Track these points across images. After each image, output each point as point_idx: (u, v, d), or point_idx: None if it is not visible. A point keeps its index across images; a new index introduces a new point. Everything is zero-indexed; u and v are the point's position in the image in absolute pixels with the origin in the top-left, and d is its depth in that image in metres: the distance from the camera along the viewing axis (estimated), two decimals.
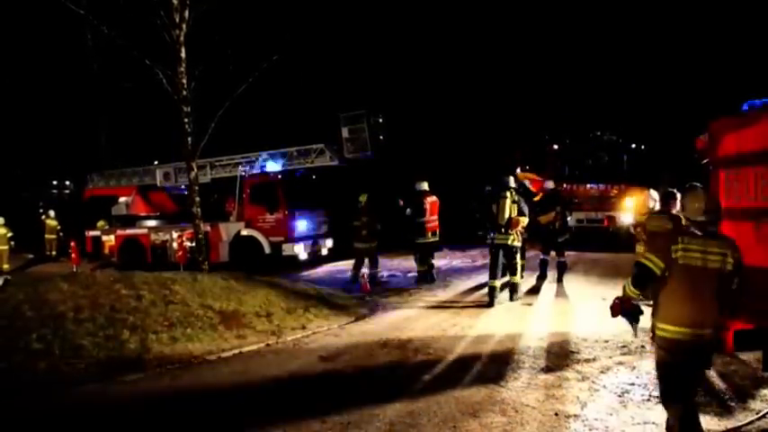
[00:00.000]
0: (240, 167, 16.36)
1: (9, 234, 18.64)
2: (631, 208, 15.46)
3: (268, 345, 7.77)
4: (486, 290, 10.19)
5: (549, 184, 12.21)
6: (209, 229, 15.16)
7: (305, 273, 14.76)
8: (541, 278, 11.47)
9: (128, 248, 17.48)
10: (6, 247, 18.46)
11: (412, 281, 12.54)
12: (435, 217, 12.36)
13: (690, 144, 6.92)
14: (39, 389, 6.05)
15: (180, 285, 9.65)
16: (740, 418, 4.86)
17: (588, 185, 16.93)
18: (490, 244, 10.11)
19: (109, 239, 17.98)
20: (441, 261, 14.22)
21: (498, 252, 9.97)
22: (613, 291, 9.40)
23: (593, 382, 5.83)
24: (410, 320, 8.93)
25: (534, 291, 10.82)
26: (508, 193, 9.88)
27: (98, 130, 27.22)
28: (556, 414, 5.05)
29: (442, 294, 10.99)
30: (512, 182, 10.34)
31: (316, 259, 16.43)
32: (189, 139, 13.18)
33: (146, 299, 8.82)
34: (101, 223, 18.64)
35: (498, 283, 9.99)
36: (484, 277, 12.40)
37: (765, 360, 5.84)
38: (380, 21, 25.49)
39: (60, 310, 8.11)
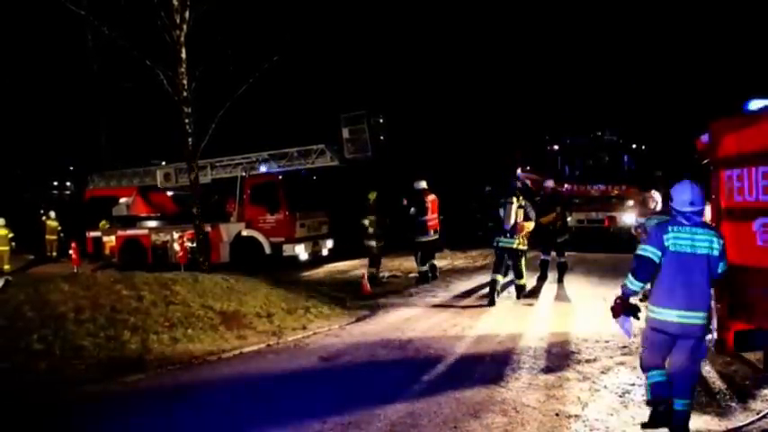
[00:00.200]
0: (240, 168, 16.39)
1: (10, 235, 18.65)
2: (632, 208, 15.45)
3: (269, 345, 7.77)
4: (484, 290, 10.20)
5: (550, 184, 12.21)
6: (209, 229, 15.17)
7: (305, 273, 14.77)
8: (542, 279, 11.48)
9: (128, 249, 17.50)
10: (7, 248, 18.47)
11: (412, 281, 12.53)
12: (436, 215, 12.39)
13: (690, 144, 6.92)
14: (40, 389, 6.05)
15: (181, 286, 9.64)
16: (741, 419, 4.85)
17: (589, 186, 16.92)
18: (495, 247, 10.24)
19: (109, 240, 18.00)
20: (441, 261, 14.22)
21: (503, 255, 10.15)
22: (614, 291, 9.36)
23: (593, 382, 5.83)
24: (411, 321, 8.93)
25: (535, 291, 10.81)
26: (514, 198, 9.97)
27: (98, 131, 27.21)
28: (557, 414, 5.05)
29: (443, 295, 10.99)
30: (518, 185, 10.47)
31: (316, 260, 16.43)
32: (189, 139, 13.18)
33: (146, 299, 8.81)
34: (103, 223, 18.64)
35: (501, 278, 10.13)
36: (484, 278, 12.40)
37: (766, 360, 5.85)
38: (381, 21, 25.50)
39: (61, 310, 8.11)
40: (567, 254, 11.72)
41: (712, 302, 7.07)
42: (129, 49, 12.75)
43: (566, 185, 16.33)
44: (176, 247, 16.30)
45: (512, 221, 9.89)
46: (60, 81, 27.62)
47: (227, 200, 17.01)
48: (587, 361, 6.50)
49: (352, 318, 9.34)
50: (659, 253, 4.37)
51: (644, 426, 4.66)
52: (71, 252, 17.15)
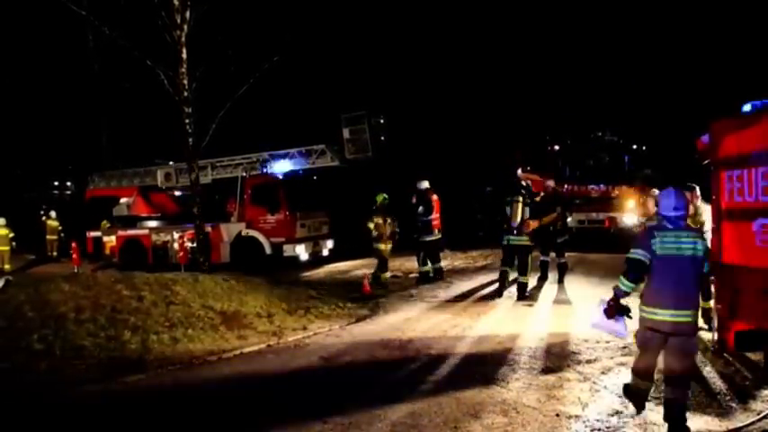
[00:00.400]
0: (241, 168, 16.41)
1: (11, 235, 18.65)
2: (633, 209, 15.46)
3: (269, 345, 7.77)
4: (485, 290, 10.21)
5: (550, 184, 12.23)
6: (210, 229, 15.18)
7: (306, 273, 14.77)
8: (542, 279, 11.49)
9: (129, 249, 17.50)
10: (8, 248, 18.47)
11: (413, 281, 12.53)
12: (438, 215, 12.43)
13: (691, 145, 6.92)
14: (40, 389, 6.05)
15: (181, 286, 9.66)
16: (741, 419, 4.85)
17: (589, 186, 16.92)
18: (505, 245, 10.49)
19: (110, 240, 18.00)
20: (442, 262, 14.17)
21: (512, 251, 10.42)
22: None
23: (594, 382, 5.83)
24: (411, 321, 8.93)
25: (535, 291, 10.80)
26: (520, 197, 10.19)
27: (99, 131, 27.24)
28: (557, 415, 5.05)
29: (443, 295, 10.99)
30: (523, 184, 10.68)
31: (317, 260, 16.43)
32: (190, 139, 13.20)
33: (147, 299, 8.83)
34: (104, 223, 18.65)
35: (510, 270, 10.45)
36: (485, 278, 12.45)
37: (766, 360, 5.85)
38: (381, 22, 25.51)
39: (61, 310, 8.12)
40: (567, 254, 11.72)
41: (708, 301, 7.11)
42: (130, 50, 12.78)
43: (566, 186, 16.34)
44: (177, 247, 16.30)
45: (519, 219, 10.14)
46: (61, 81, 27.64)
47: (228, 200, 17.03)
48: (588, 361, 6.50)
49: (353, 318, 9.34)
50: (648, 255, 4.63)
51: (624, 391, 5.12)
52: (71, 252, 17.14)
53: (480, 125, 24.80)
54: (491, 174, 22.59)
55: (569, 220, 12.32)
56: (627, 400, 5.26)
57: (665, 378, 4.70)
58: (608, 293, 5.08)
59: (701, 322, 7.45)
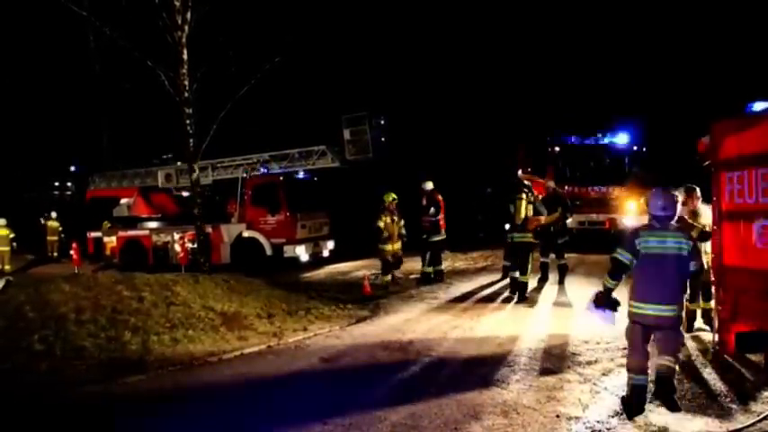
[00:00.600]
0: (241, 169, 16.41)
1: (11, 235, 18.65)
2: (634, 210, 15.45)
3: (269, 346, 7.77)
4: (485, 291, 10.21)
5: (551, 185, 12.25)
6: (210, 230, 15.19)
7: (306, 274, 14.76)
8: (543, 280, 11.49)
9: (129, 250, 17.50)
10: (8, 249, 18.48)
11: (414, 282, 12.52)
12: (443, 215, 12.46)
13: (691, 146, 6.91)
14: (41, 390, 6.05)
15: (181, 287, 9.66)
16: (742, 420, 4.84)
17: (589, 187, 16.91)
18: (510, 243, 10.72)
19: (110, 241, 18.00)
20: (442, 263, 14.18)
21: (515, 249, 10.58)
22: (615, 293, 9.39)
23: (594, 384, 5.82)
24: (411, 322, 8.93)
25: (535, 293, 10.80)
26: (523, 195, 10.33)
27: (100, 132, 27.26)
28: (557, 416, 5.04)
29: (444, 296, 10.98)
30: (526, 183, 10.82)
31: (317, 261, 16.43)
32: (191, 140, 13.21)
33: (147, 300, 8.83)
34: (106, 224, 18.64)
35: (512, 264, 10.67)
36: (485, 279, 12.45)
37: (767, 361, 5.84)
38: (382, 22, 25.52)
39: (62, 311, 8.12)
40: (567, 255, 11.73)
41: (708, 302, 7.11)
42: (131, 50, 12.79)
43: (566, 187, 16.32)
44: (177, 247, 16.30)
45: (523, 216, 10.29)
46: (62, 82, 27.66)
47: (228, 201, 17.03)
48: (588, 363, 6.50)
49: (353, 319, 9.33)
50: (629, 256, 4.98)
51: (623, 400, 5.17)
52: (72, 253, 17.15)
53: (480, 126, 24.81)
54: (491, 175, 22.60)
55: (569, 221, 12.31)
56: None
57: (657, 358, 5.06)
58: None
59: (701, 323, 7.51)
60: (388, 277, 12.08)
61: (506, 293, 10.70)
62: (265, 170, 16.27)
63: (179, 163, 17.54)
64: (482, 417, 5.06)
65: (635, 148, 17.59)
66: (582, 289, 10.87)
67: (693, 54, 22.54)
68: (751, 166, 5.64)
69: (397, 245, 12.13)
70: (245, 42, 13.51)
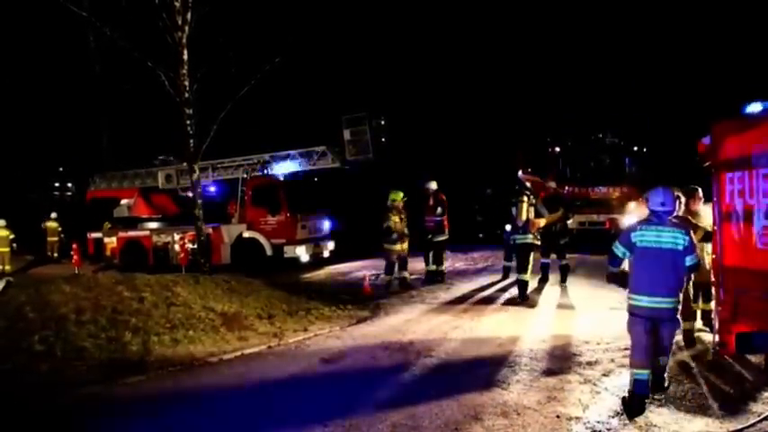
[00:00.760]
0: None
1: (11, 236, 18.66)
2: (634, 210, 15.43)
3: (270, 347, 7.77)
4: (486, 292, 10.21)
5: (552, 185, 12.27)
6: (210, 231, 15.19)
7: (306, 275, 14.76)
8: (543, 281, 11.49)
9: (129, 250, 17.51)
10: (8, 249, 18.48)
11: (414, 283, 12.49)
12: (446, 215, 12.48)
13: (692, 147, 6.91)
14: (41, 390, 6.05)
15: (182, 287, 9.66)
16: (742, 421, 4.85)
17: (590, 188, 16.91)
18: (512, 244, 10.94)
19: (111, 241, 18.00)
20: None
21: (516, 250, 10.76)
22: (616, 294, 9.36)
23: (594, 384, 5.82)
24: (412, 323, 8.93)
25: (536, 293, 10.80)
26: (525, 197, 10.42)
27: (100, 132, 27.26)
28: (558, 416, 5.05)
29: (444, 296, 10.98)
30: (527, 185, 10.94)
31: (317, 261, 16.43)
32: (191, 141, 13.21)
33: (148, 301, 8.83)
34: (106, 224, 18.64)
35: (510, 265, 11.16)
36: (485, 279, 12.45)
37: (767, 362, 5.84)
38: (382, 23, 25.53)
39: (62, 311, 8.12)
40: (568, 256, 11.73)
41: (709, 303, 7.11)
42: (131, 51, 12.78)
43: (566, 187, 16.33)
44: (177, 248, 16.30)
45: (524, 218, 10.39)
46: (62, 82, 27.64)
47: (229, 201, 17.04)
48: (588, 363, 6.50)
49: (354, 319, 9.34)
50: (623, 249, 5.26)
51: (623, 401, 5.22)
52: (72, 253, 17.16)
53: (481, 127, 24.81)
54: (492, 175, 22.60)
55: (569, 222, 12.32)
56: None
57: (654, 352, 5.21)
58: (610, 295, 5.23)
59: (700, 324, 7.50)
60: (390, 277, 12.02)
61: (507, 294, 10.71)
62: (266, 171, 16.27)
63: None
64: (482, 417, 5.06)
65: (635, 148, 17.59)
66: (583, 290, 10.90)
67: (693, 54, 22.53)
68: (752, 166, 5.64)
69: (405, 245, 12.05)
70: (245, 43, 13.51)
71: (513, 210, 10.61)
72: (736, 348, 6.00)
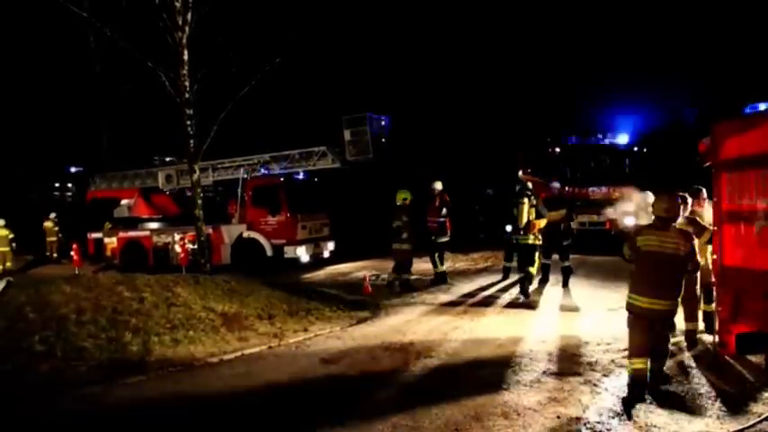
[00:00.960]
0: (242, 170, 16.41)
1: (10, 236, 18.65)
2: (634, 211, 15.41)
3: (270, 347, 7.77)
4: (486, 292, 10.23)
5: (556, 185, 12.28)
6: (211, 231, 15.19)
7: (307, 275, 14.76)
8: (544, 281, 11.48)
9: (129, 250, 17.51)
10: (8, 249, 18.48)
11: (415, 283, 12.47)
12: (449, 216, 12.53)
13: (692, 147, 6.91)
14: (42, 390, 6.05)
15: (182, 287, 9.66)
16: (742, 421, 4.85)
17: (590, 188, 16.91)
18: (514, 245, 11.10)
19: (111, 241, 18.00)
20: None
21: (517, 250, 10.93)
22: (616, 294, 9.42)
23: (595, 384, 5.82)
24: (412, 323, 8.93)
25: (536, 294, 10.80)
26: (526, 199, 10.48)
27: (100, 132, 27.25)
28: (558, 417, 5.04)
29: (444, 297, 10.98)
30: (529, 186, 10.95)
31: (317, 262, 16.43)
32: (191, 141, 13.21)
33: (148, 301, 8.83)
34: (107, 225, 18.64)
35: (510, 265, 11.48)
36: (486, 280, 12.45)
37: (767, 363, 5.84)
38: (382, 24, 25.52)
39: (62, 311, 8.12)
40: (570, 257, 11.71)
41: (709, 304, 7.11)
42: (132, 51, 12.78)
43: (567, 188, 16.31)
44: (177, 248, 16.30)
45: (525, 219, 10.46)
46: (62, 82, 27.64)
47: (229, 201, 17.04)
48: (588, 364, 6.50)
49: (354, 320, 9.33)
50: (629, 252, 5.46)
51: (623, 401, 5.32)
52: (72, 253, 17.16)
53: (481, 127, 24.80)
54: (492, 176, 22.58)
55: (570, 222, 12.31)
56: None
57: (650, 352, 5.38)
58: (610, 296, 5.29)
59: (701, 326, 7.50)
60: (396, 276, 11.86)
61: (507, 295, 10.71)
62: (266, 171, 16.28)
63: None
64: (483, 418, 5.06)
65: (635, 148, 17.58)
66: (583, 291, 10.89)
67: (693, 54, 22.53)
68: (752, 166, 5.64)
69: (410, 245, 11.87)
70: (245, 43, 13.50)
71: (515, 211, 10.67)
72: (736, 348, 6.01)
